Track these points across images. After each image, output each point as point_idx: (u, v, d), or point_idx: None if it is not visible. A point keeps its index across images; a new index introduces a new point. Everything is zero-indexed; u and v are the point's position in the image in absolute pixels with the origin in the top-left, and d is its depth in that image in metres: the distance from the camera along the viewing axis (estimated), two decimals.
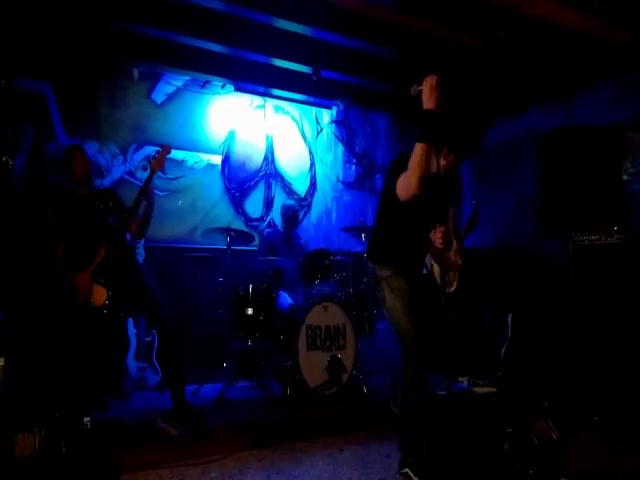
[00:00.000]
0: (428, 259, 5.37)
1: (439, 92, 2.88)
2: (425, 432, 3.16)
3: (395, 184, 3.18)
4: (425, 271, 5.39)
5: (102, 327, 4.47)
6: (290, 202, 6.66)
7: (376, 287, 3.57)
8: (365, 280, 5.72)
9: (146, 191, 4.46)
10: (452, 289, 5.41)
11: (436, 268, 5.34)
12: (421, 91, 2.94)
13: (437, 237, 3.44)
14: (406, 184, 3.02)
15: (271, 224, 6.90)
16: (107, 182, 5.95)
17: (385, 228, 3.61)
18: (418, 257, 3.73)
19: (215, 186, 6.64)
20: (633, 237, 4.77)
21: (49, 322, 4.50)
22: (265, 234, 6.45)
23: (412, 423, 3.32)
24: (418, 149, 2.91)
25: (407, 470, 3.26)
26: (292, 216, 6.33)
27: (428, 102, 2.89)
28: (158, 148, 4.74)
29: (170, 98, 6.47)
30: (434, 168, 3.01)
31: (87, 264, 4.37)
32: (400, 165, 3.14)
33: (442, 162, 3.23)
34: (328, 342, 5.11)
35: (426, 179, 2.97)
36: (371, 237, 3.83)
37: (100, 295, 4.33)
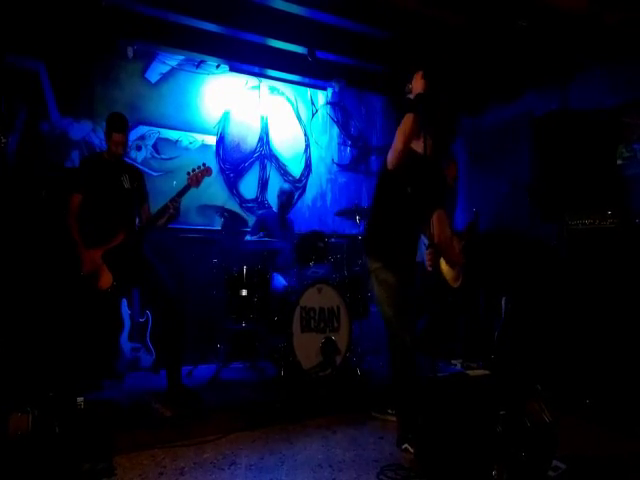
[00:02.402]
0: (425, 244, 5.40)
1: (425, 80, 3.36)
2: (418, 414, 3.19)
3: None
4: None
5: (96, 307, 4.43)
6: (287, 185, 6.64)
7: (369, 277, 3.84)
8: (360, 262, 5.73)
9: (175, 203, 4.43)
10: (457, 284, 5.45)
11: (443, 263, 5.37)
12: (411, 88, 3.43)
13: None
14: (392, 149, 3.39)
15: (266, 205, 6.88)
16: None
17: (379, 216, 3.78)
18: (410, 248, 3.90)
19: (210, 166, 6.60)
20: (627, 221, 4.77)
21: (44, 296, 4.48)
22: (258, 214, 6.44)
23: (406, 403, 3.59)
24: (405, 119, 3.35)
25: (407, 445, 3.53)
26: (287, 199, 6.31)
27: (417, 89, 3.37)
28: (199, 166, 4.69)
29: (164, 78, 6.42)
30: (420, 147, 3.46)
31: (102, 242, 4.32)
32: None
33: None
34: (322, 324, 5.12)
35: (412, 157, 3.48)
36: (366, 229, 4.01)
37: (106, 280, 4.28)
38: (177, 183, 6.28)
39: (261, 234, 5.81)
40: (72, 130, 5.81)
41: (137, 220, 4.69)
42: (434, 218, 3.67)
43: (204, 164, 4.68)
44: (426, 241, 5.41)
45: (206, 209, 5.84)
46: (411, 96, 3.41)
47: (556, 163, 5.40)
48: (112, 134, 4.44)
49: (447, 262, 5.36)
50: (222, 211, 5.60)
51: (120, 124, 4.49)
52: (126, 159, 4.90)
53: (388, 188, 3.65)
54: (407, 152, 3.38)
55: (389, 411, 4.21)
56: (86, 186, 4.42)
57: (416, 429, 3.37)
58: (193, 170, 4.57)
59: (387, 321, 3.66)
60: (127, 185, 4.56)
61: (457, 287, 5.41)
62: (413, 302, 3.73)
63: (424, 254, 5.52)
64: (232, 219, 5.75)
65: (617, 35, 5.55)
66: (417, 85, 3.37)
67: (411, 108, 3.34)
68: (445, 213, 3.81)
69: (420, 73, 3.39)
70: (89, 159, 4.75)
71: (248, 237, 5.84)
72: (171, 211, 4.41)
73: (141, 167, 5.79)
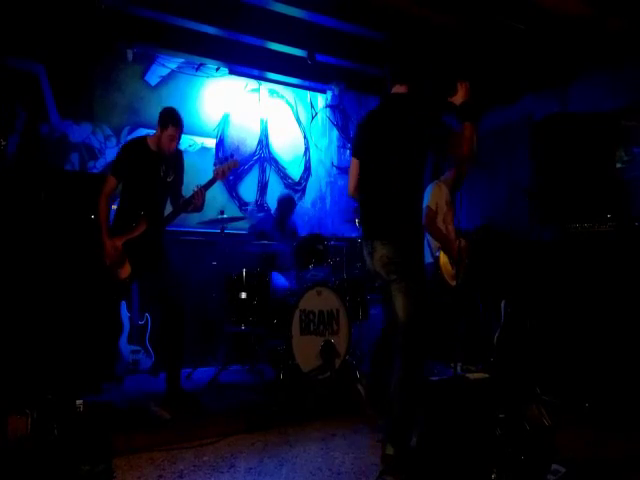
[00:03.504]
0: (435, 248, 5.42)
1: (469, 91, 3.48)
2: (417, 417, 3.18)
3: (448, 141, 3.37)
4: (432, 259, 5.45)
5: (116, 297, 4.49)
6: (286, 192, 6.66)
7: (404, 268, 3.27)
8: (359, 265, 5.73)
9: (201, 194, 4.42)
10: (454, 283, 5.46)
11: (443, 260, 5.38)
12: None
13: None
14: (462, 151, 3.32)
15: (266, 208, 6.89)
16: (100, 164, 5.94)
17: (411, 196, 3.40)
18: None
19: (209, 169, 6.54)
20: (626, 225, 4.78)
21: (44, 297, 4.47)
22: (257, 219, 6.44)
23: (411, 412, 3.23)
24: (469, 128, 3.30)
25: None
26: (287, 204, 6.32)
27: (462, 98, 3.46)
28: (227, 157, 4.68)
29: (164, 80, 6.43)
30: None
31: (125, 230, 4.29)
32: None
33: None
34: (321, 327, 5.12)
35: None
36: (395, 208, 3.36)
37: (125, 269, 4.28)
38: None
39: (259, 240, 5.82)
40: (72, 132, 5.82)
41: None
42: None
43: (232, 155, 4.67)
44: (434, 243, 5.43)
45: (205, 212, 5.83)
46: (451, 99, 3.49)
47: (555, 166, 5.41)
48: (168, 126, 4.33)
49: (449, 258, 5.37)
50: (222, 222, 5.59)
51: (178, 118, 4.39)
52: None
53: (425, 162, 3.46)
54: None
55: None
56: (122, 171, 4.37)
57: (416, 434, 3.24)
58: (221, 164, 4.54)
59: (421, 309, 3.24)
60: (164, 176, 4.46)
61: (454, 286, 5.43)
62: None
63: (427, 256, 5.57)
64: (231, 222, 5.75)
65: (619, 40, 5.57)
66: (464, 93, 3.46)
67: (469, 117, 3.35)
68: None
69: (466, 83, 3.49)
70: (132, 145, 4.53)
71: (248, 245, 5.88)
72: (195, 201, 4.41)
73: None
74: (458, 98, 3.45)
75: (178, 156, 4.65)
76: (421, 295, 3.23)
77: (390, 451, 3.09)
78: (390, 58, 3.58)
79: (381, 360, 3.86)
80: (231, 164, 4.60)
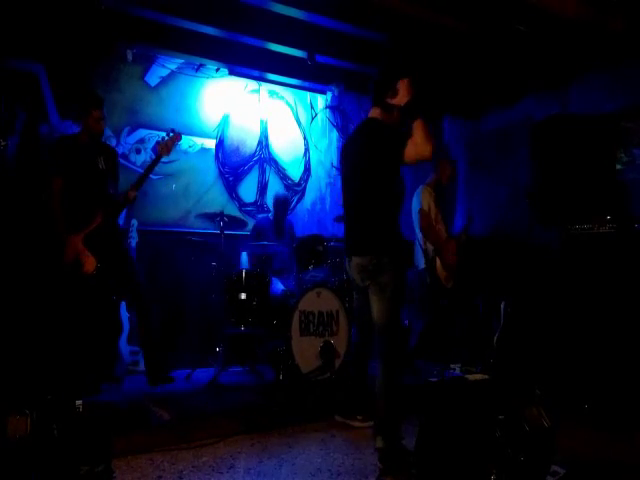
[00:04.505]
0: (431, 250, 5.44)
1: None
2: (414, 418, 3.19)
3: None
4: (425, 264, 5.48)
5: (88, 293, 4.45)
6: (282, 192, 6.66)
7: (376, 276, 3.47)
8: None
9: (148, 173, 4.48)
10: (450, 285, 5.49)
11: (438, 261, 5.42)
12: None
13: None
14: (419, 153, 3.30)
15: (265, 209, 6.89)
16: None
17: (379, 211, 3.58)
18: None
19: (209, 170, 6.61)
20: (626, 226, 4.78)
21: (44, 298, 4.49)
22: (257, 220, 6.45)
23: (397, 413, 3.47)
24: (420, 126, 3.27)
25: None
26: (282, 205, 6.32)
27: (407, 96, 3.41)
28: (165, 133, 4.73)
29: (164, 81, 6.42)
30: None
31: (81, 226, 4.34)
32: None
33: None
34: (321, 328, 5.12)
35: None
36: (362, 228, 3.64)
37: (90, 263, 4.29)
38: (176, 186, 6.31)
39: (256, 241, 5.83)
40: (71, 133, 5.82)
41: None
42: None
43: (173, 130, 4.71)
44: (429, 246, 5.45)
45: (205, 217, 5.83)
46: (393, 102, 3.48)
47: (555, 168, 5.41)
48: (91, 111, 4.46)
49: (442, 262, 5.41)
50: (221, 217, 5.59)
51: (98, 100, 4.55)
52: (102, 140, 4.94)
53: (393, 182, 3.57)
54: None
55: (357, 417, 4.18)
56: (64, 169, 4.44)
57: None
58: (163, 140, 4.59)
59: (395, 314, 3.47)
60: (102, 166, 4.56)
61: (450, 287, 5.46)
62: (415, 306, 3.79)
63: (421, 260, 5.59)
64: (231, 221, 5.75)
65: (619, 41, 5.57)
66: (408, 92, 3.39)
67: (417, 114, 3.31)
68: None
69: (408, 80, 3.42)
70: (63, 142, 4.68)
71: (247, 250, 5.91)
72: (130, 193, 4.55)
73: (140, 170, 5.81)
74: (402, 98, 3.42)
75: (109, 147, 4.88)
76: (395, 300, 3.45)
77: (380, 444, 3.33)
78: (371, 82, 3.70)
79: (362, 362, 4.14)
80: (173, 138, 4.68)
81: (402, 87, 3.42)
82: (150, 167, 4.56)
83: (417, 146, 3.26)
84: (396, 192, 3.60)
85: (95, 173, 4.49)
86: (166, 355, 4.72)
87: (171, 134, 4.71)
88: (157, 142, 4.60)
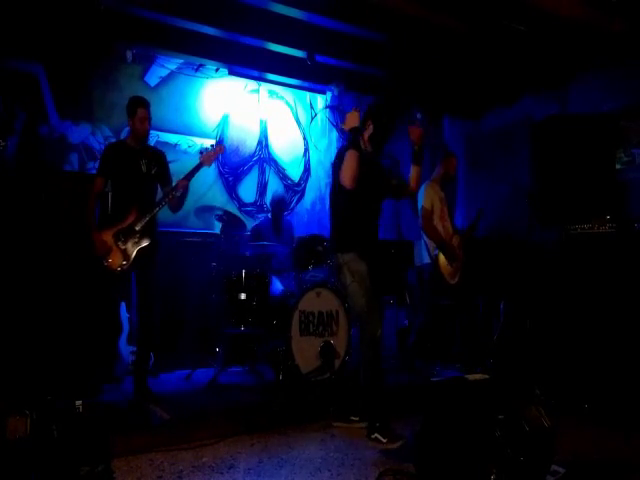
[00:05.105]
0: (433, 248, 5.44)
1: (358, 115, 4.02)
2: (414, 418, 3.19)
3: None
4: (429, 260, 5.48)
5: (111, 287, 4.54)
6: (279, 192, 6.65)
7: (338, 273, 4.12)
8: None
9: (182, 184, 4.52)
10: (454, 281, 5.48)
11: (442, 259, 5.40)
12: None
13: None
14: (346, 179, 3.83)
15: (265, 209, 6.89)
16: None
17: (346, 213, 4.11)
18: (375, 234, 4.30)
19: (209, 170, 6.58)
20: (626, 226, 4.78)
21: (45, 298, 4.51)
22: (255, 223, 6.45)
23: (375, 394, 3.96)
24: (351, 157, 3.82)
25: (377, 435, 3.84)
26: (278, 204, 6.31)
27: (353, 123, 3.94)
28: (212, 144, 4.77)
29: (164, 81, 6.43)
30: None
31: (114, 223, 4.40)
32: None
33: None
34: (321, 328, 5.12)
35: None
36: (334, 228, 4.23)
37: (115, 259, 4.33)
38: None
39: (255, 242, 5.83)
40: (71, 133, 5.82)
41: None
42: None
43: (217, 142, 4.76)
44: (431, 244, 5.45)
45: (205, 214, 5.83)
46: (345, 128, 3.97)
47: (555, 167, 5.40)
48: (137, 110, 4.55)
49: (446, 257, 5.40)
50: (221, 215, 5.60)
51: (143, 100, 4.65)
52: (149, 145, 4.97)
53: (351, 194, 3.93)
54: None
55: (352, 418, 4.24)
56: (108, 170, 4.54)
57: (385, 418, 3.90)
58: (206, 150, 4.64)
59: (359, 313, 4.03)
60: (145, 169, 4.60)
61: (454, 284, 5.45)
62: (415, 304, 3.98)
63: (424, 257, 5.58)
64: (231, 221, 5.75)
65: (618, 41, 5.57)
66: (353, 120, 3.90)
67: (353, 145, 3.83)
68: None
69: (357, 110, 3.94)
70: (112, 145, 4.84)
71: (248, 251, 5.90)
72: (174, 192, 4.53)
73: None
74: (351, 123, 3.92)
75: (158, 152, 4.85)
76: (369, 295, 3.95)
77: (364, 424, 4.00)
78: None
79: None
80: (217, 150, 4.70)
81: (350, 116, 3.94)
82: (190, 174, 4.59)
83: (340, 172, 3.82)
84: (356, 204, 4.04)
85: (137, 176, 4.56)
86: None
87: (215, 146, 4.77)
88: (200, 151, 4.67)
